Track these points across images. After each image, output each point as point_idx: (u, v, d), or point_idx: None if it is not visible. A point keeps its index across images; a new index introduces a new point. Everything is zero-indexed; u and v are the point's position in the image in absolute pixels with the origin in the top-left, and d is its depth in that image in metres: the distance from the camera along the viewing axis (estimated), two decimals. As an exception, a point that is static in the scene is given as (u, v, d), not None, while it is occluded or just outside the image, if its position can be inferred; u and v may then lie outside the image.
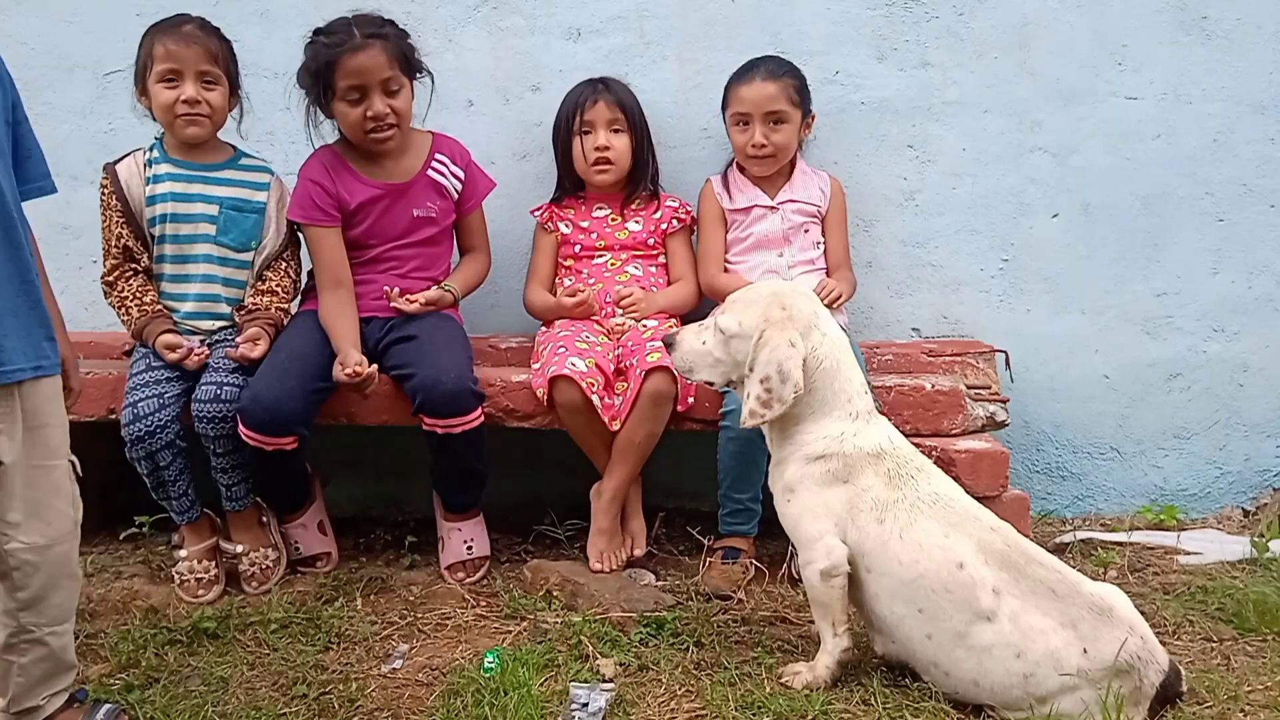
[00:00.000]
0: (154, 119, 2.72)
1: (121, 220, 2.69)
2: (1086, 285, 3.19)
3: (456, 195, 2.90)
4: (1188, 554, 2.87)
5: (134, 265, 2.72)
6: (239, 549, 2.70)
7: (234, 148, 2.81)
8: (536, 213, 3.05)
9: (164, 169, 2.71)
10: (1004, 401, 2.85)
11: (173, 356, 2.62)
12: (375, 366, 2.65)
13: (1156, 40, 3.09)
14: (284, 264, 2.81)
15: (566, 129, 2.95)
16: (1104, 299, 3.19)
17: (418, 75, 2.78)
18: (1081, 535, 2.96)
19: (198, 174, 2.72)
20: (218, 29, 2.70)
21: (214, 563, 2.66)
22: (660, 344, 2.57)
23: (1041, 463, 3.26)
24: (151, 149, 2.74)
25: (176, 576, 2.62)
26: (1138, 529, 3.04)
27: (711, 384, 2.25)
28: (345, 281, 2.77)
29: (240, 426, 2.56)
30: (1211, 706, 2.01)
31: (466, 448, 2.64)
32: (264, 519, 2.78)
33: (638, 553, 2.74)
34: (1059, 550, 2.81)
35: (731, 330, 2.14)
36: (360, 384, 2.62)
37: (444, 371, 2.59)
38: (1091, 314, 3.20)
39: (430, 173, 2.85)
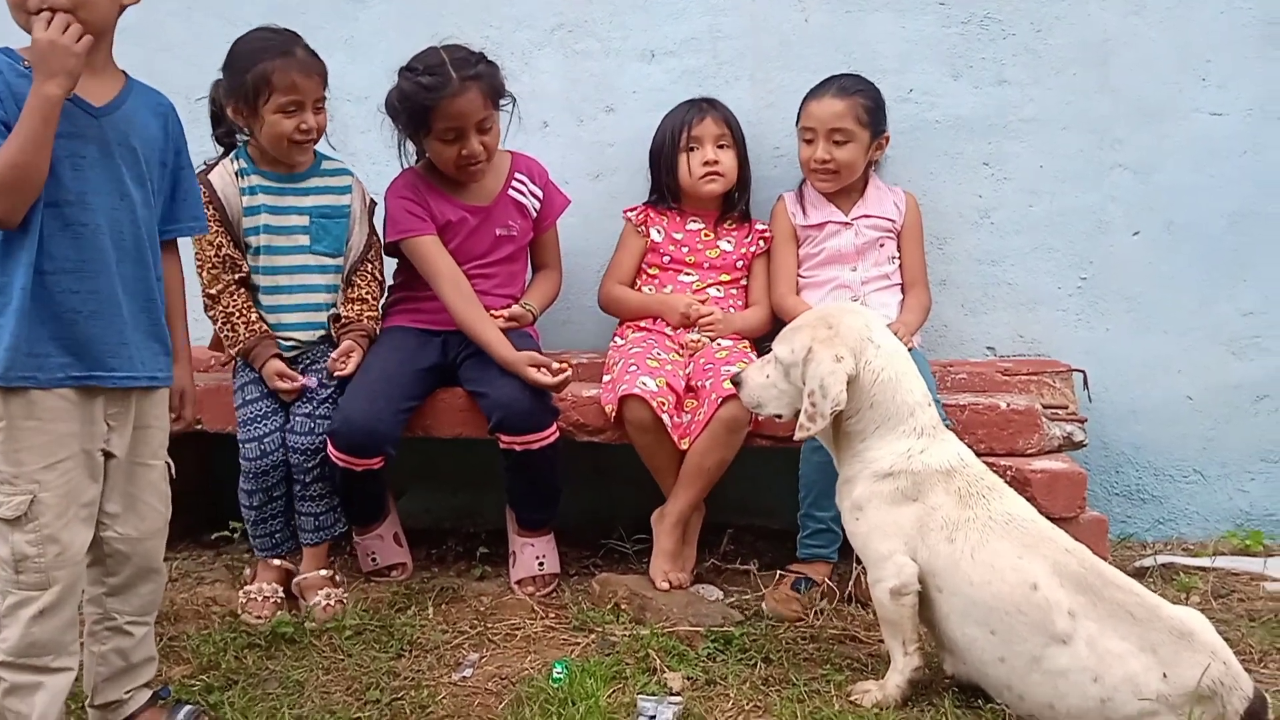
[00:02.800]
0: (247, 134, 2.74)
1: (220, 230, 2.69)
2: (1169, 305, 3.11)
3: (535, 214, 2.96)
4: (1275, 580, 2.78)
5: (235, 276, 2.72)
6: (324, 572, 2.73)
7: (316, 152, 2.83)
8: (631, 213, 3.05)
9: (255, 180, 2.73)
10: (1082, 421, 2.79)
11: (283, 386, 2.66)
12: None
13: (1243, 55, 3.01)
14: (369, 266, 2.85)
15: (671, 146, 2.96)
16: (1188, 319, 3.11)
17: (503, 104, 2.82)
18: (1162, 559, 2.88)
19: (288, 185, 2.76)
20: (313, 49, 2.72)
21: (281, 588, 2.71)
22: (735, 369, 2.59)
23: (1121, 485, 3.18)
24: (237, 158, 2.76)
25: (243, 595, 2.67)
26: (1222, 554, 2.95)
27: (780, 417, 2.24)
28: (467, 286, 2.77)
29: (330, 448, 2.63)
30: (1300, 738, 1.94)
31: (543, 464, 2.68)
32: (332, 562, 2.81)
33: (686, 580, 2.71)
34: (1139, 575, 2.73)
35: (786, 359, 2.16)
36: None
37: (521, 388, 2.63)
38: (1175, 334, 3.12)
39: (511, 192, 2.91)
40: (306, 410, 2.68)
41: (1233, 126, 3.05)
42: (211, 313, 2.74)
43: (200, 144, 3.33)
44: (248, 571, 2.85)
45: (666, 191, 3.02)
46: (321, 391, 2.70)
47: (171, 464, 2.05)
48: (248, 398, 2.70)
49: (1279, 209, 3.05)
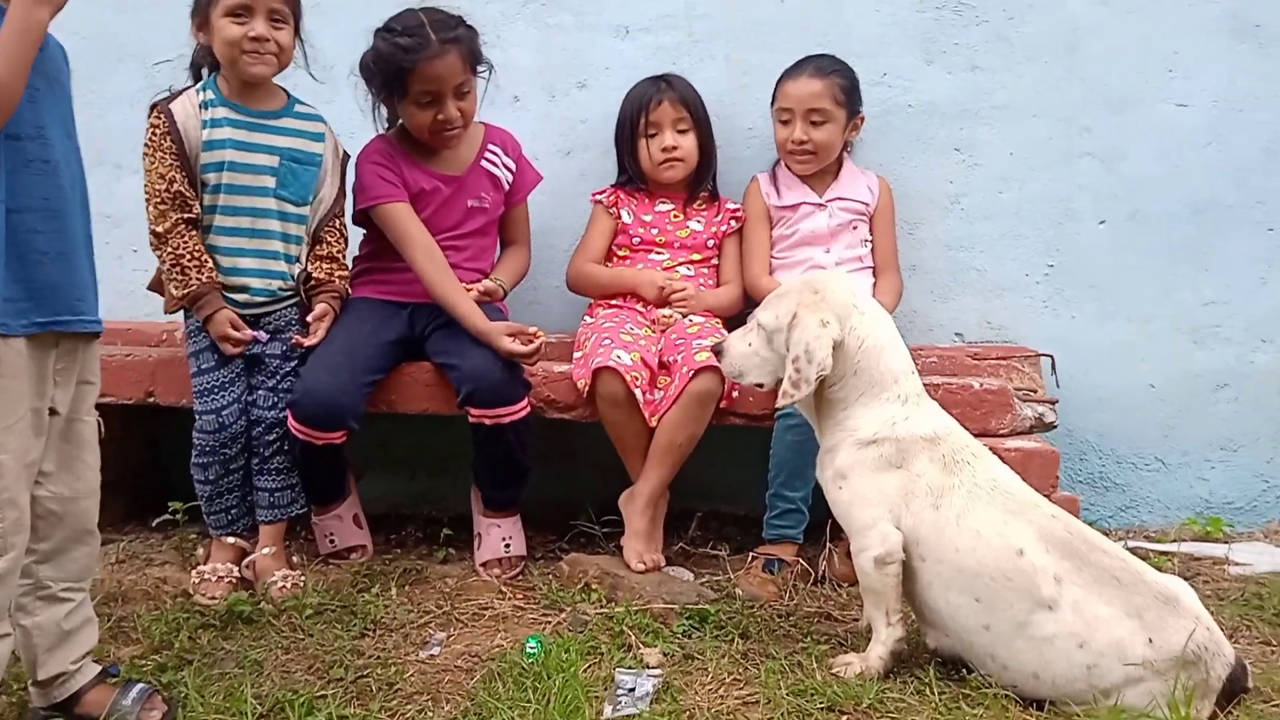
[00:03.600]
0: (204, 52, 2.58)
1: (175, 163, 2.50)
2: (1133, 293, 3.15)
3: (508, 186, 2.89)
4: (1237, 565, 2.81)
5: (186, 215, 2.52)
6: (269, 550, 2.64)
7: (287, 93, 2.68)
8: (600, 195, 3.00)
9: (222, 113, 2.54)
10: (1053, 403, 2.80)
11: (233, 335, 2.52)
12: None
13: (1208, 47, 3.07)
14: (338, 223, 2.73)
15: (631, 130, 2.92)
16: (1151, 307, 3.15)
17: (480, 71, 2.76)
18: (1129, 546, 2.90)
19: (258, 121, 2.58)
20: None
21: (236, 567, 2.60)
22: (708, 344, 2.56)
23: (1085, 472, 3.20)
24: (205, 89, 2.56)
25: (195, 576, 2.56)
26: (1183, 541, 2.98)
27: (762, 385, 2.21)
28: (441, 255, 2.69)
29: (291, 420, 2.55)
30: (1279, 705, 1.94)
31: (513, 439, 2.61)
32: (288, 545, 2.72)
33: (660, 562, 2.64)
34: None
35: (771, 325, 2.13)
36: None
37: (493, 360, 2.57)
38: (1138, 322, 3.15)
39: (484, 163, 2.85)
40: (270, 384, 2.59)
41: (1197, 118, 3.09)
42: (158, 252, 2.55)
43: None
44: (200, 551, 2.74)
45: (633, 176, 2.98)
46: (285, 364, 2.61)
47: (101, 422, 1.95)
48: (203, 366, 2.57)
49: (1240, 200, 3.11)
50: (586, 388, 2.62)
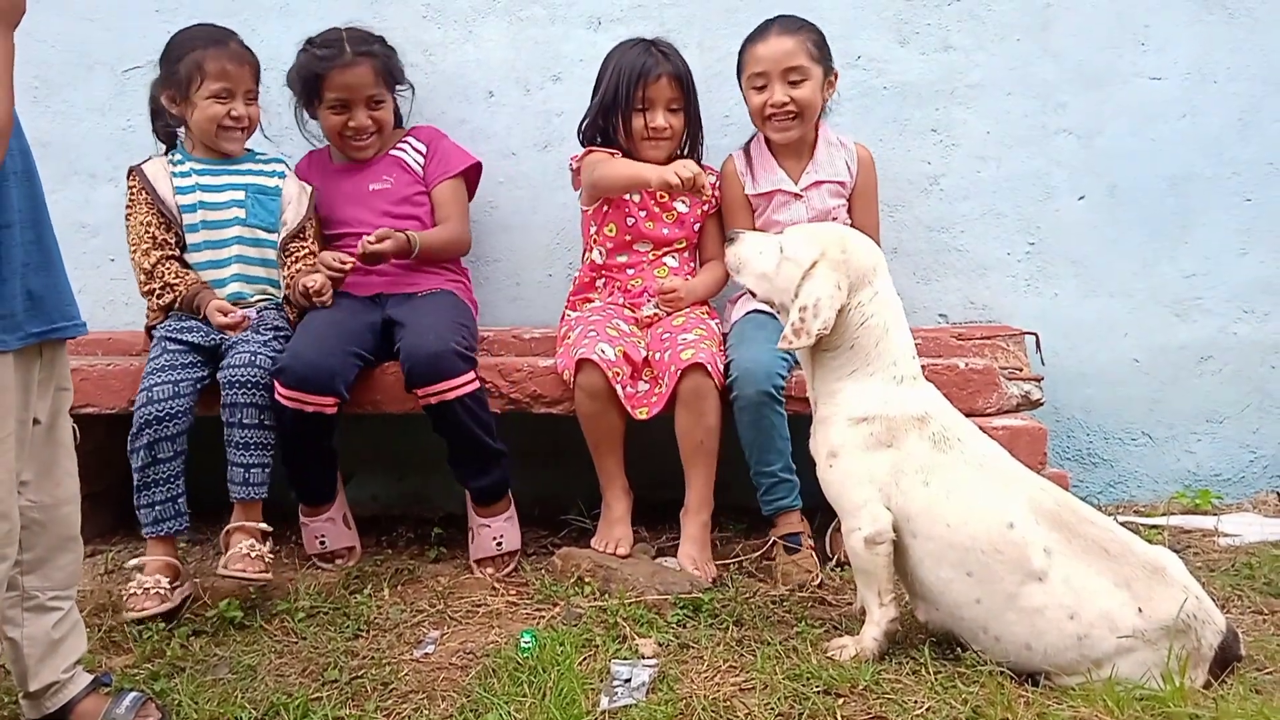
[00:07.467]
0: (175, 121, 2.79)
1: (152, 210, 2.72)
2: (1114, 268, 3.15)
3: (418, 167, 2.95)
4: (1226, 536, 2.82)
5: (167, 252, 2.73)
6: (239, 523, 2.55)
7: (245, 148, 2.86)
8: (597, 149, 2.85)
9: (188, 166, 2.79)
10: (1038, 380, 2.81)
11: (225, 320, 2.63)
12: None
13: (1179, 20, 3.07)
14: (302, 246, 2.83)
15: (627, 100, 2.77)
16: (1132, 281, 3.16)
17: (399, 88, 2.94)
18: (1119, 521, 2.90)
19: (221, 166, 2.81)
20: (246, 44, 2.81)
21: (171, 580, 2.46)
22: (692, 339, 2.58)
23: (1073, 449, 3.21)
24: (174, 153, 2.83)
25: (125, 593, 2.43)
26: (1172, 514, 2.99)
27: (753, 293, 2.24)
28: None
29: (278, 389, 2.49)
30: (1273, 672, 1.95)
31: (466, 416, 2.56)
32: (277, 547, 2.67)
33: (621, 550, 2.62)
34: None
35: (789, 253, 2.11)
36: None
37: (425, 331, 2.57)
38: (1120, 297, 3.16)
39: (392, 153, 2.97)
40: (249, 346, 2.56)
41: (1171, 90, 3.10)
42: (150, 285, 2.71)
43: (128, 117, 3.24)
44: (132, 561, 2.56)
45: (616, 145, 2.85)
46: (265, 331, 2.65)
47: (76, 428, 1.92)
48: (151, 356, 2.59)
49: (1217, 171, 3.12)
50: (571, 377, 2.60)
